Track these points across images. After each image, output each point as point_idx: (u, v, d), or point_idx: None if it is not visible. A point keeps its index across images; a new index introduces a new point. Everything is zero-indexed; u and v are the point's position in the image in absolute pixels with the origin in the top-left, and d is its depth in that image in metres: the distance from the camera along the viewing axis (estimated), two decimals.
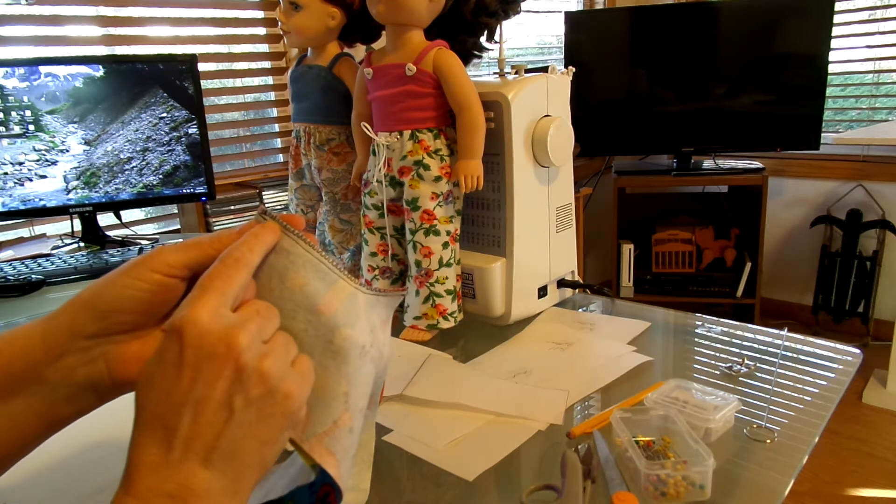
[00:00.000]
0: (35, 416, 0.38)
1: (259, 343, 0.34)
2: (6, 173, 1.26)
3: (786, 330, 0.78)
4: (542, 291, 0.89)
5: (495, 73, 0.87)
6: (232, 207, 1.68)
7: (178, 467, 0.31)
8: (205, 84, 1.56)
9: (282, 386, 0.34)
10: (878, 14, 2.50)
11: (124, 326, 0.38)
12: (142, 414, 0.32)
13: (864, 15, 2.54)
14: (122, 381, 0.39)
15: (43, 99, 1.26)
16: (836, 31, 2.41)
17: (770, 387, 0.67)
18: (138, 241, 1.41)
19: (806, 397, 0.65)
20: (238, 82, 1.88)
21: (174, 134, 1.37)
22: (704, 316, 0.86)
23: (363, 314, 0.39)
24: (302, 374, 0.35)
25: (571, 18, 2.47)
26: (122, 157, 1.34)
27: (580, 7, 2.88)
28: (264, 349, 0.34)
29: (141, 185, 1.37)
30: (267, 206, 1.70)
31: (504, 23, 0.86)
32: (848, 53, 2.56)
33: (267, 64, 1.91)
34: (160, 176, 1.38)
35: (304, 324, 0.37)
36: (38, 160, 1.28)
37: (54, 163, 1.29)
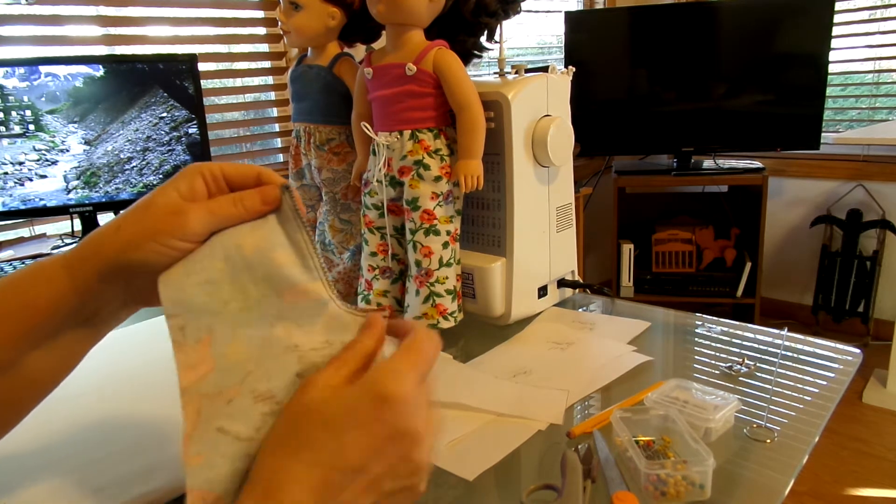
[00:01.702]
0: (82, 341, 0.41)
1: (430, 437, 0.35)
2: (6, 173, 1.26)
3: (786, 330, 0.78)
4: (542, 291, 0.89)
5: (495, 73, 0.87)
6: None
7: None
8: (205, 84, 1.56)
9: (422, 483, 0.35)
10: (878, 14, 2.50)
11: (151, 278, 0.39)
12: (302, 452, 0.32)
13: (864, 15, 2.54)
14: (149, 304, 0.41)
15: (43, 99, 1.26)
16: (836, 31, 2.40)
17: (770, 387, 0.67)
18: None
19: (806, 397, 0.65)
20: (238, 82, 1.88)
21: (174, 134, 1.37)
22: (704, 316, 0.86)
23: (321, 323, 0.38)
24: (427, 461, 0.36)
25: (571, 18, 2.47)
26: (122, 156, 1.34)
27: (580, 7, 2.88)
28: (429, 444, 0.35)
29: (141, 184, 1.37)
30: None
31: (504, 23, 0.86)
32: (848, 53, 2.56)
33: (267, 64, 1.91)
34: (160, 176, 1.38)
35: (260, 296, 0.37)
36: (38, 160, 1.28)
37: (54, 163, 1.29)
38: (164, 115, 1.35)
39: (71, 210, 1.33)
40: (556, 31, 2.75)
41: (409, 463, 0.33)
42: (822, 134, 2.34)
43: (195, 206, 0.37)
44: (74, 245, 0.39)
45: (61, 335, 0.39)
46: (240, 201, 0.38)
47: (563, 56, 2.51)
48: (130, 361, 0.74)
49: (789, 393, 0.65)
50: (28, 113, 1.26)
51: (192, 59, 1.35)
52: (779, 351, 0.74)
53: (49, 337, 0.39)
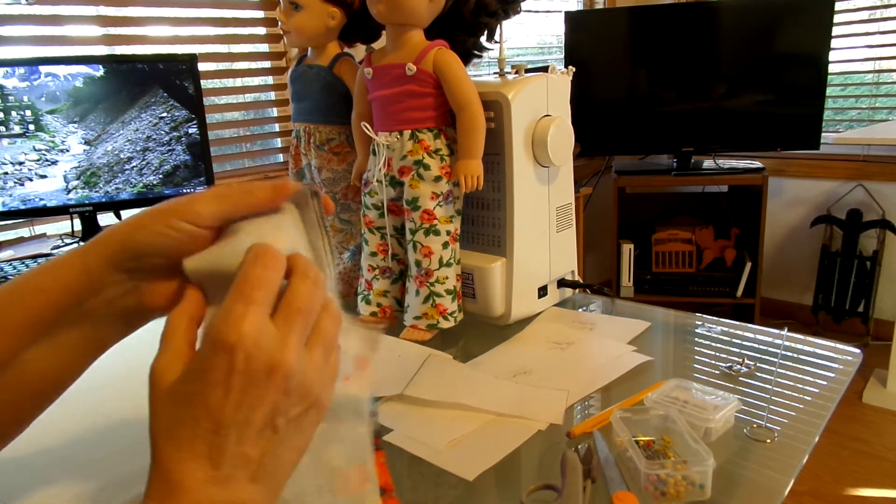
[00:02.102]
0: (83, 345, 0.40)
1: (302, 357, 0.33)
2: (6, 173, 1.26)
3: (786, 330, 0.78)
4: (542, 291, 0.89)
5: (495, 73, 0.87)
6: None
7: (227, 485, 0.32)
8: (205, 84, 1.55)
9: (320, 398, 0.34)
10: (878, 14, 2.50)
11: (156, 266, 0.39)
12: (178, 431, 0.32)
13: (864, 15, 2.54)
14: (153, 310, 0.41)
15: (43, 99, 1.26)
16: (836, 31, 2.40)
17: (770, 387, 0.67)
18: None
19: (806, 397, 0.65)
20: (238, 82, 1.88)
21: (174, 134, 1.37)
22: (704, 316, 0.86)
23: None
24: (333, 374, 0.35)
25: (571, 18, 2.47)
26: (122, 156, 1.34)
27: (580, 7, 2.88)
28: (306, 364, 0.33)
29: (141, 184, 1.37)
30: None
31: (504, 23, 0.86)
32: (848, 53, 2.56)
33: (267, 64, 1.91)
34: (160, 176, 1.38)
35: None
36: (38, 160, 1.28)
37: (54, 163, 1.29)
38: (164, 115, 1.35)
39: (71, 210, 1.33)
40: (556, 31, 2.75)
41: (290, 395, 0.33)
42: (822, 134, 2.34)
43: (204, 192, 0.38)
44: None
45: (64, 330, 0.39)
46: (250, 191, 0.38)
47: (563, 56, 2.51)
48: (131, 361, 0.74)
49: (789, 393, 0.65)
50: (28, 113, 1.26)
51: (192, 59, 1.35)
52: (779, 351, 0.74)
53: (52, 328, 0.39)
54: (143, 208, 0.39)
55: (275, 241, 0.36)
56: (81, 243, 1.36)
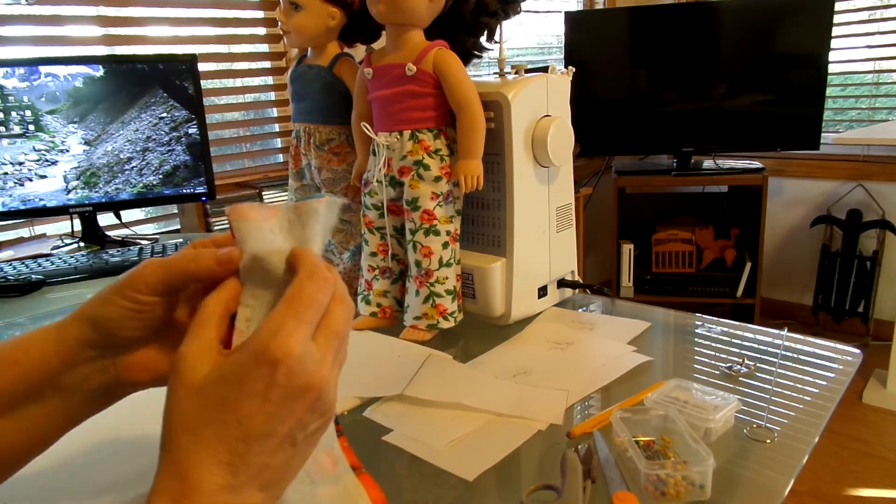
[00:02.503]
0: (53, 418, 0.40)
1: (332, 377, 0.34)
2: (6, 173, 1.26)
3: (786, 330, 0.78)
4: (542, 291, 0.89)
5: (495, 73, 0.87)
6: None
7: (240, 491, 0.32)
8: (205, 84, 1.56)
9: (333, 412, 0.35)
10: (878, 14, 2.50)
11: (126, 339, 0.39)
12: (203, 430, 0.32)
13: (864, 15, 2.54)
14: (133, 384, 0.41)
15: (43, 99, 1.26)
16: (836, 31, 2.40)
17: (770, 387, 0.67)
18: (138, 241, 1.41)
19: (806, 397, 0.65)
20: (238, 82, 1.88)
21: (174, 134, 1.37)
22: (704, 316, 0.86)
23: None
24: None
25: (571, 18, 2.47)
26: (122, 157, 1.34)
27: (580, 7, 2.88)
28: (333, 383, 0.34)
29: (141, 185, 1.37)
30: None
31: (504, 23, 0.86)
32: (848, 53, 2.56)
33: (267, 64, 1.91)
34: (160, 176, 1.38)
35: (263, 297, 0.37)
36: (38, 160, 1.28)
37: (54, 163, 1.29)
38: (164, 115, 1.35)
39: (71, 210, 1.33)
40: (556, 31, 2.75)
41: (314, 412, 0.34)
42: (822, 134, 2.34)
43: (152, 261, 0.38)
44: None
45: (37, 403, 0.39)
46: (194, 259, 0.38)
47: (563, 56, 2.51)
48: None
49: (789, 393, 0.65)
50: (28, 113, 1.26)
51: (192, 60, 1.35)
52: (779, 351, 0.74)
53: (24, 401, 0.39)
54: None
55: (313, 245, 0.37)
56: (82, 248, 1.36)
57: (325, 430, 0.36)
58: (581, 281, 0.94)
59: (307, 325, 0.33)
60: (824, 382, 0.67)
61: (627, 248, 2.51)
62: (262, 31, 1.86)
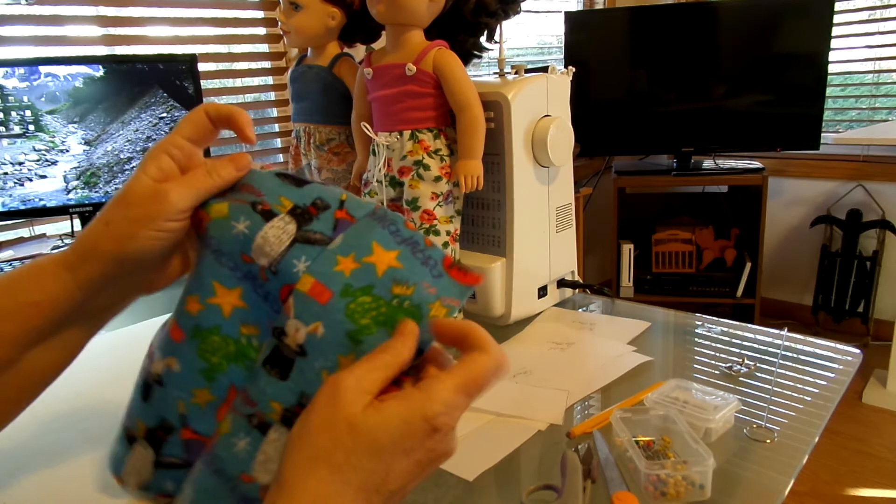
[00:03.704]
0: (81, 336, 0.42)
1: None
2: (6, 173, 1.26)
3: (786, 330, 0.78)
4: (542, 291, 0.89)
5: (495, 73, 0.87)
6: None
7: None
8: (205, 84, 1.55)
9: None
10: (878, 14, 2.50)
11: (154, 261, 0.40)
12: (349, 473, 0.31)
13: (864, 15, 2.54)
14: (151, 290, 0.43)
15: (43, 99, 1.26)
16: (836, 31, 2.40)
17: (770, 387, 0.67)
18: None
19: (806, 397, 0.65)
20: (238, 82, 1.88)
21: None
22: (704, 316, 0.86)
23: None
24: None
25: (571, 18, 2.47)
26: (122, 157, 1.34)
27: (580, 7, 2.88)
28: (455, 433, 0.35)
29: None
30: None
31: (504, 23, 0.86)
32: (848, 53, 2.56)
33: (267, 64, 1.91)
34: None
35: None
36: (38, 160, 1.28)
37: (54, 163, 1.29)
38: (164, 115, 1.35)
39: (71, 210, 1.33)
40: (556, 31, 2.75)
41: (434, 467, 0.35)
42: (822, 134, 2.34)
43: (173, 186, 0.38)
44: (67, 247, 0.40)
45: (63, 331, 0.40)
46: (214, 171, 0.39)
47: (563, 56, 2.51)
48: (131, 362, 0.74)
49: (789, 393, 0.65)
50: (28, 113, 1.26)
51: (192, 60, 1.35)
52: (779, 351, 0.74)
53: (51, 334, 0.39)
54: (106, 205, 0.39)
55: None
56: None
57: None
58: (581, 281, 0.94)
59: (471, 400, 0.34)
60: (824, 382, 0.67)
61: (627, 248, 2.51)
62: (262, 31, 1.86)
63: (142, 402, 0.39)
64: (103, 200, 1.35)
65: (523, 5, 0.87)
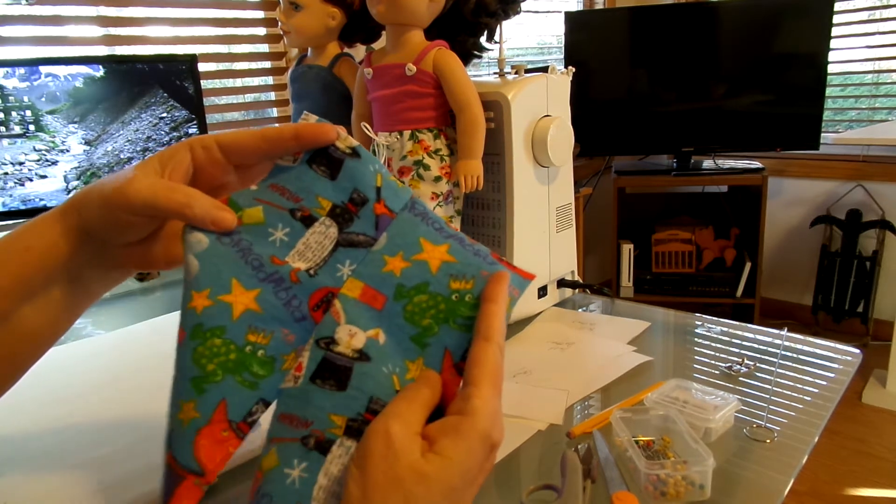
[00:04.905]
0: (73, 299, 0.41)
1: None
2: (6, 173, 1.26)
3: (785, 330, 0.78)
4: (542, 291, 0.89)
5: (495, 73, 0.87)
6: None
7: None
8: (205, 84, 1.56)
9: None
10: (878, 14, 2.50)
11: (133, 238, 0.40)
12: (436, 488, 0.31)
13: (864, 15, 2.54)
14: (137, 268, 0.43)
15: (43, 99, 1.26)
16: (836, 31, 2.40)
17: (770, 387, 0.67)
18: None
19: (806, 397, 0.65)
20: (238, 82, 1.88)
21: (174, 134, 1.37)
22: (704, 316, 0.86)
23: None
24: None
25: (571, 18, 2.47)
26: (122, 157, 1.34)
27: (580, 7, 2.88)
28: None
29: None
30: None
31: (504, 23, 0.86)
32: (848, 53, 2.56)
33: (267, 64, 1.91)
34: None
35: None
36: (38, 160, 1.28)
37: (54, 163, 1.29)
38: (165, 115, 1.35)
39: None
40: (556, 31, 2.75)
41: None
42: (822, 134, 2.34)
43: (142, 183, 0.36)
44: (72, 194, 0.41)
45: (53, 288, 0.40)
46: (190, 201, 0.36)
47: (563, 56, 2.51)
48: (131, 361, 0.74)
49: (789, 393, 0.65)
50: (28, 113, 1.26)
51: (192, 60, 1.35)
52: (778, 351, 0.74)
53: (41, 288, 0.39)
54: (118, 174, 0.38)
55: None
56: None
57: None
58: (581, 281, 0.94)
59: (499, 399, 0.34)
60: (824, 382, 0.67)
61: (627, 248, 2.51)
62: (262, 31, 1.86)
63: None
64: None
65: (523, 5, 0.87)
